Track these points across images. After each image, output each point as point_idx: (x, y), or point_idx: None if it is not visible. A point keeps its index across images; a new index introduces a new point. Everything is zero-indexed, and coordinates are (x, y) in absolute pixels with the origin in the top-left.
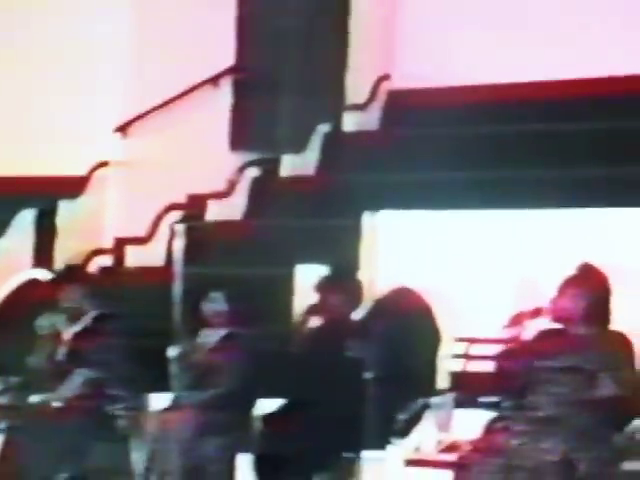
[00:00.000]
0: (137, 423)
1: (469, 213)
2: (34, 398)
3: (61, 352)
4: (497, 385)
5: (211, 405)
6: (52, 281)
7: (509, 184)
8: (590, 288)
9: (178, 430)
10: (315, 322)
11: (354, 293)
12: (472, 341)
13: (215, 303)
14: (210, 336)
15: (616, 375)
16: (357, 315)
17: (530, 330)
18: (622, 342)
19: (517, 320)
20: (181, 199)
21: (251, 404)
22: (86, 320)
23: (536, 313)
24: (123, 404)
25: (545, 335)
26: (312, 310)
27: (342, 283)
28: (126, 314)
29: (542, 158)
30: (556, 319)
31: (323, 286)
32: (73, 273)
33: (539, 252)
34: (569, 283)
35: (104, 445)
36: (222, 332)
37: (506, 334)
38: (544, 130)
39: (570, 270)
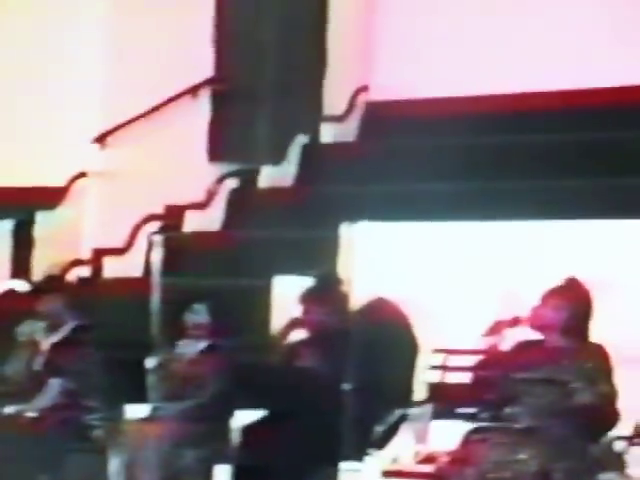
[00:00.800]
0: (114, 434)
1: (448, 225)
2: (10, 408)
3: (38, 362)
4: (475, 396)
5: (189, 416)
6: (30, 291)
7: (488, 195)
8: (572, 300)
9: (155, 441)
10: (298, 334)
11: (340, 305)
12: (450, 352)
13: (197, 315)
14: (189, 347)
15: (592, 386)
16: (341, 327)
17: (508, 340)
18: (600, 354)
19: (496, 329)
20: (159, 210)
21: (230, 415)
22: (65, 330)
23: (515, 322)
24: (100, 415)
25: (523, 346)
26: (295, 322)
27: (327, 294)
28: (104, 325)
29: (521, 169)
30: (536, 328)
31: (307, 297)
32: (51, 283)
33: (520, 264)
34: (552, 293)
35: (80, 456)
36: (202, 344)
37: (484, 343)
38: (523, 141)
39: (552, 282)
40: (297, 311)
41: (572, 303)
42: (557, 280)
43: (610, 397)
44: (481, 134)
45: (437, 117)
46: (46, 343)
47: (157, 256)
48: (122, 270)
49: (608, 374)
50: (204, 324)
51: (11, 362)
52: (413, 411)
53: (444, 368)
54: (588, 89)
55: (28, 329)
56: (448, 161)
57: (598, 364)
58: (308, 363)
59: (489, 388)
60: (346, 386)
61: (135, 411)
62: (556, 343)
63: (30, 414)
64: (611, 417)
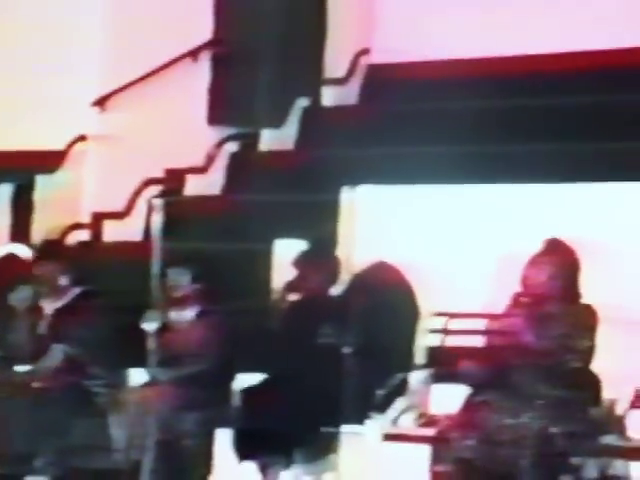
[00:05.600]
0: (116, 399)
1: (449, 187)
2: (13, 371)
3: (42, 327)
4: (477, 360)
5: (190, 382)
6: (30, 256)
7: (489, 158)
8: (559, 262)
9: (156, 406)
10: (293, 298)
11: (332, 269)
12: (451, 316)
13: (179, 277)
14: (185, 312)
15: (581, 347)
16: (335, 291)
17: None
18: (587, 313)
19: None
20: (159, 174)
21: (229, 380)
22: (69, 296)
23: (517, 301)
24: (102, 381)
25: (520, 309)
26: (290, 286)
27: (320, 259)
28: (104, 289)
29: (522, 132)
30: (529, 295)
31: (301, 262)
32: (51, 248)
33: (519, 226)
34: (541, 259)
35: (83, 421)
36: (197, 308)
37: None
38: (524, 104)
39: (540, 244)
40: (292, 275)
41: (559, 265)
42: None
43: (589, 352)
44: (483, 96)
45: (439, 79)
46: (50, 308)
47: (157, 220)
48: (122, 234)
49: (590, 330)
50: (197, 288)
51: (14, 327)
52: (414, 375)
53: (445, 332)
54: (590, 51)
55: (26, 294)
56: (449, 124)
57: (583, 322)
58: (304, 326)
59: (495, 353)
60: (347, 350)
61: (137, 376)
62: (549, 307)
63: (34, 380)
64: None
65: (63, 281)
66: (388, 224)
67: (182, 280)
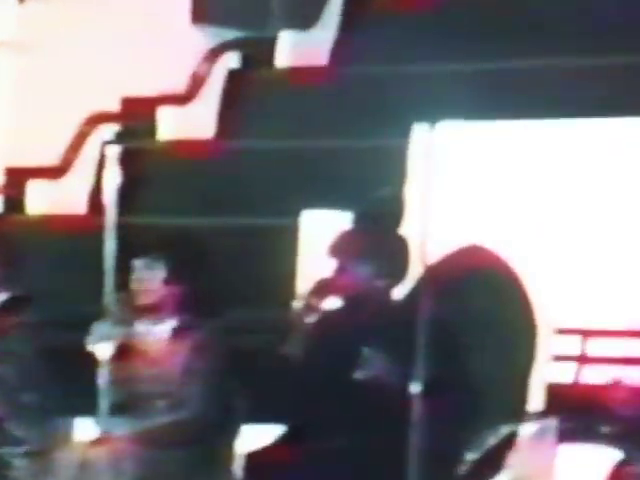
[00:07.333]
0: (43, 469)
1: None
2: None
3: None
4: (634, 405)
5: (162, 438)
6: None
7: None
8: None
9: (110, 476)
10: (328, 305)
11: (393, 258)
12: (588, 334)
13: (154, 272)
14: (158, 327)
15: None
16: (398, 294)
17: None
18: None
19: None
20: (115, 106)
21: (227, 435)
22: None
23: None
24: (23, 446)
25: None
26: (324, 286)
27: (373, 242)
28: (31, 294)
29: None
30: None
31: (343, 247)
32: None
33: None
34: None
35: None
36: (177, 320)
37: None
38: None
39: None
40: (327, 269)
41: None
42: None
43: None
44: None
45: None
46: None
47: (113, 180)
48: (56, 203)
49: None
50: (169, 289)
51: None
52: (526, 428)
53: (579, 359)
54: None
55: None
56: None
57: None
58: (346, 353)
59: None
60: (414, 389)
61: (80, 429)
62: None
63: None
64: None
65: None
66: (484, 184)
67: (153, 276)
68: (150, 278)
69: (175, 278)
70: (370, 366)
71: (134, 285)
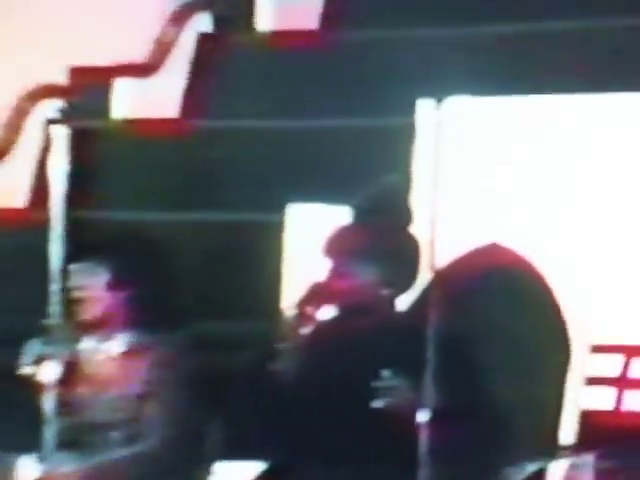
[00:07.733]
0: None
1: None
2: None
3: None
4: None
5: (122, 474)
6: None
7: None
8: None
9: None
10: (322, 317)
11: (398, 260)
12: (629, 352)
13: (103, 278)
14: (109, 343)
15: None
16: (403, 303)
17: None
18: None
19: None
20: (61, 77)
21: (198, 473)
22: None
23: None
24: None
25: None
26: (316, 294)
27: (374, 239)
28: None
29: None
30: None
31: (340, 245)
32: None
33: None
34: None
35: None
36: (132, 335)
37: None
38: None
39: None
40: (318, 272)
41: None
42: None
43: None
44: None
45: None
46: None
47: (60, 166)
48: None
49: None
50: (123, 297)
51: None
52: (557, 465)
53: (621, 382)
54: None
55: None
56: None
57: None
58: (342, 374)
59: None
60: (423, 416)
61: (23, 468)
62: None
63: None
64: None
65: None
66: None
67: (95, 283)
68: (92, 285)
69: (121, 283)
70: (393, 393)
71: (74, 295)
